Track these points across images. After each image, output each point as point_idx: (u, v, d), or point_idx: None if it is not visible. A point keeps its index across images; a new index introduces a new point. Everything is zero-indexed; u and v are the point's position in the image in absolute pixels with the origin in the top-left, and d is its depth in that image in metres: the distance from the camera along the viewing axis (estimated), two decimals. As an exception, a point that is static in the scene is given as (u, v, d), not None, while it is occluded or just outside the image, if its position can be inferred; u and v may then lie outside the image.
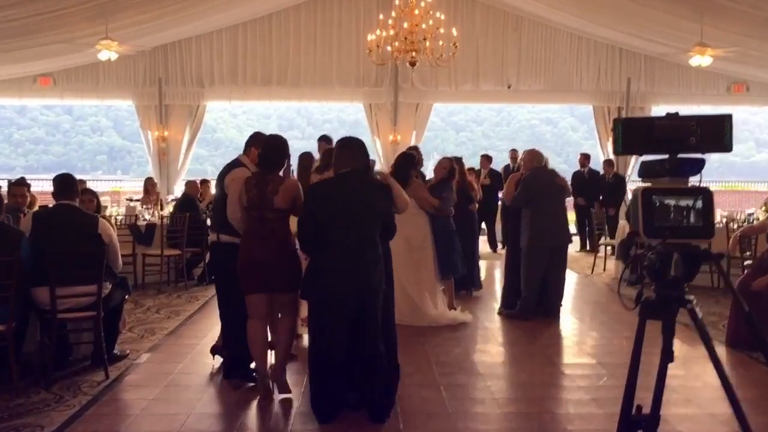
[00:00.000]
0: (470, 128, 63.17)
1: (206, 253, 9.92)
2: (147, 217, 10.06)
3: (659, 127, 2.24)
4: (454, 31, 11.43)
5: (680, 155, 2.25)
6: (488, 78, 15.80)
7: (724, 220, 9.98)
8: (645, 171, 2.41)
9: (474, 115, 58.69)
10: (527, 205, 7.69)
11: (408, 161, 7.28)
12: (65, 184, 5.63)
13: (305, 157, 6.98)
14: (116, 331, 5.98)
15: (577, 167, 14.37)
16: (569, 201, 14.77)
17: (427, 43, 11.55)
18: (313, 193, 4.56)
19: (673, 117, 2.29)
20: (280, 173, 4.98)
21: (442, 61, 11.68)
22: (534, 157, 7.96)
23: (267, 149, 4.88)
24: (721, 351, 6.35)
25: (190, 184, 10.45)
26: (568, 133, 61.72)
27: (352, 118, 51.87)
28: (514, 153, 14.32)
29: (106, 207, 10.23)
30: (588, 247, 13.44)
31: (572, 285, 10.62)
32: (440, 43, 11.45)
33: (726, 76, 15.68)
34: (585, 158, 14.36)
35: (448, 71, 14.88)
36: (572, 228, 15.14)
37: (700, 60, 12.04)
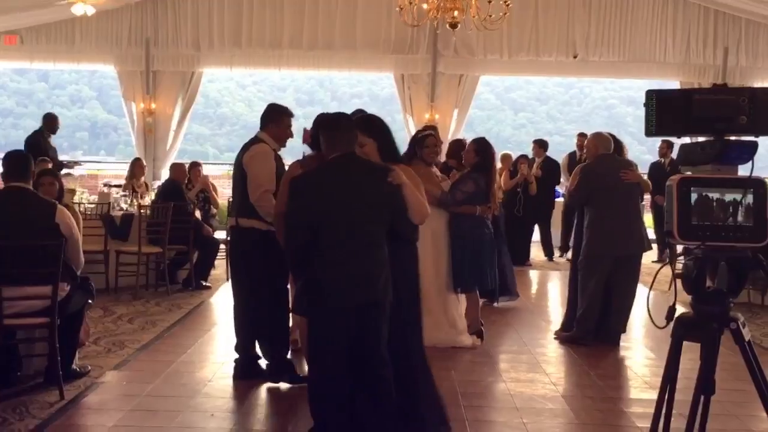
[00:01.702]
0: (532, 107, 62.81)
1: (194, 251, 10.11)
2: (124, 206, 10.22)
3: (700, 103, 2.22)
4: (505, -15, 11.40)
5: (727, 137, 2.22)
6: (550, 45, 15.71)
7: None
8: (684, 157, 2.40)
9: (537, 92, 58.32)
10: (588, 202, 7.63)
11: (411, 141, 7.33)
12: (16, 163, 5.76)
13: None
14: (76, 342, 6.09)
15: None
16: (647, 199, 14.75)
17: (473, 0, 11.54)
18: (297, 187, 4.47)
19: (718, 90, 2.27)
20: None
21: (492, 24, 11.63)
22: (600, 142, 7.83)
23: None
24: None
25: (175, 168, 10.62)
26: (654, 116, 61.22)
27: (386, 93, 51.77)
28: (581, 138, 14.18)
29: (73, 192, 10.40)
30: (668, 257, 13.32)
31: (644, 304, 10.50)
32: (489, 1, 11.40)
33: None
34: (667, 146, 14.18)
35: (500, 36, 14.81)
36: (650, 233, 15.12)
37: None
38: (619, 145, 8.03)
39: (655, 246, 14.00)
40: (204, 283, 10.10)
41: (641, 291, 10.74)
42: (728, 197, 2.25)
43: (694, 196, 2.26)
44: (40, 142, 11.52)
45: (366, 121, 4.92)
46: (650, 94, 2.36)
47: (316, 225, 4.29)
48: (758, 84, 16.27)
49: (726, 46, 15.62)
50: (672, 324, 2.41)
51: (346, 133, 4.46)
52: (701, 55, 15.76)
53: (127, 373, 6.31)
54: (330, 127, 4.53)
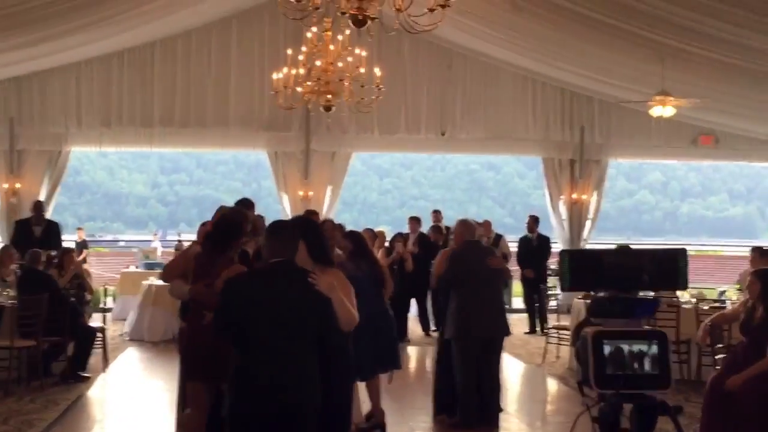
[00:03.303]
0: (397, 173, 64.17)
1: (69, 342, 9.81)
2: (-6, 297, 9.82)
3: (609, 263, 2.49)
4: (377, 71, 11.74)
5: (632, 294, 2.50)
6: (419, 123, 16.29)
7: (694, 300, 10.51)
8: (596, 309, 2.65)
9: (401, 158, 59.56)
10: (453, 286, 7.93)
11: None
12: None
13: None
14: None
15: (524, 221, 14.93)
16: (516, 271, 15.35)
17: (346, 84, 11.86)
18: (229, 289, 4.53)
19: (624, 251, 2.55)
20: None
21: (364, 106, 11.97)
22: (466, 228, 8.12)
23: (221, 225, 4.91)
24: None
25: (34, 255, 10.22)
26: (513, 180, 63.53)
27: (251, 160, 51.84)
28: (437, 215, 14.71)
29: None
30: (539, 330, 13.83)
31: (519, 378, 10.95)
32: (362, 86, 11.74)
33: (692, 126, 16.64)
34: (534, 221, 14.87)
35: (372, 114, 15.24)
36: (519, 304, 15.68)
37: (662, 111, 12.80)
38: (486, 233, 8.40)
39: (524, 315, 14.58)
40: (83, 374, 9.79)
41: (516, 366, 11.22)
42: (635, 348, 2.51)
43: (607, 348, 2.50)
44: None
45: (301, 226, 5.03)
46: (564, 253, 2.62)
47: (241, 328, 4.33)
48: (612, 160, 17.43)
49: (582, 125, 16.60)
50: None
51: (286, 241, 4.54)
52: (560, 132, 16.68)
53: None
54: (272, 235, 4.61)
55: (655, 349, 2.52)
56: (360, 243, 7.88)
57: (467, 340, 7.76)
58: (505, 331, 8.11)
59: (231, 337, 4.42)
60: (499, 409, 8.03)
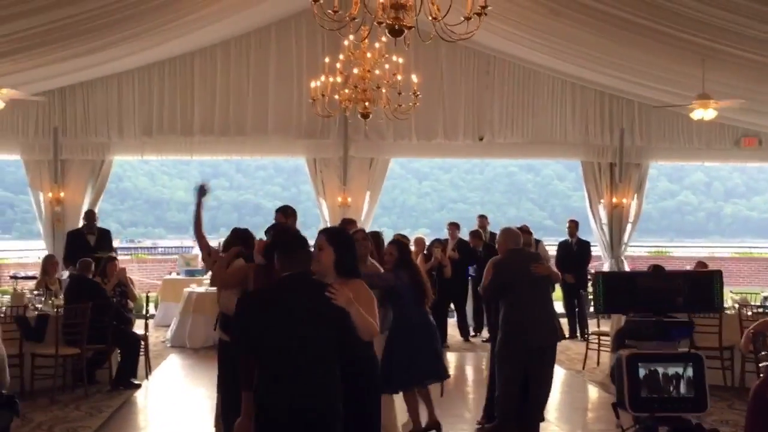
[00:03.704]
0: (435, 176, 64.16)
1: (113, 350, 9.98)
2: (39, 306, 10.02)
3: (643, 285, 2.50)
4: (414, 78, 11.78)
5: (667, 317, 2.50)
6: (457, 129, 16.28)
7: (736, 305, 10.39)
8: (630, 332, 2.66)
9: (440, 161, 59.41)
10: (500, 296, 7.92)
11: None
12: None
13: (245, 234, 7.12)
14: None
15: (564, 223, 14.86)
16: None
17: (383, 91, 11.91)
18: (243, 306, 4.53)
19: (658, 274, 2.56)
20: None
21: (401, 113, 12.01)
22: (509, 237, 8.09)
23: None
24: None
25: (84, 264, 10.41)
26: (553, 182, 63.17)
27: (290, 165, 52.13)
28: (482, 221, 14.67)
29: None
30: (579, 335, 13.75)
31: (559, 385, 10.86)
32: (399, 93, 11.78)
33: (735, 127, 16.46)
34: (574, 225, 14.79)
35: (409, 121, 15.26)
36: (559, 309, 15.59)
37: (703, 114, 12.65)
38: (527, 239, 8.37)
39: (564, 321, 14.47)
40: (134, 381, 9.95)
41: (556, 372, 11.14)
42: (671, 371, 2.52)
43: (642, 371, 2.51)
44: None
45: (333, 233, 5.09)
46: (598, 275, 2.63)
47: (259, 345, 4.34)
48: (652, 162, 17.24)
49: (622, 128, 16.47)
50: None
51: (298, 254, 4.51)
52: (599, 135, 16.56)
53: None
54: (283, 249, 4.57)
55: (690, 371, 2.51)
56: (404, 252, 7.91)
57: (514, 347, 7.72)
58: (557, 336, 8.00)
59: (251, 353, 4.41)
60: (542, 419, 7.99)
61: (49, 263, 11.66)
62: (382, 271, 7.65)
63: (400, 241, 8.21)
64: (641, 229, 18.97)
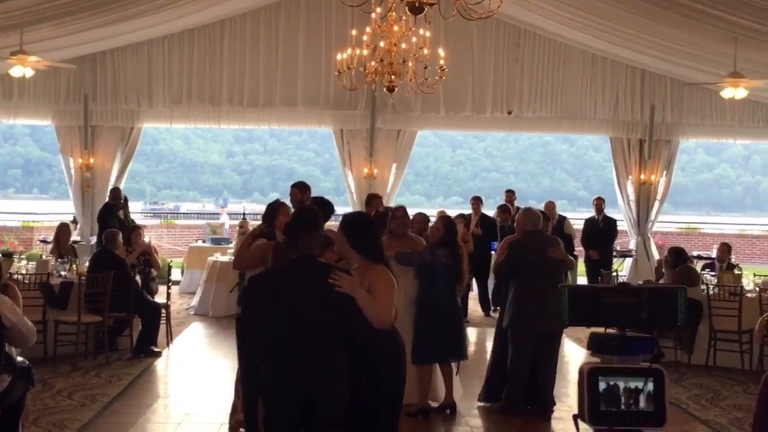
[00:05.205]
0: (470, 144, 63.75)
1: (133, 318, 10.14)
2: (63, 273, 10.19)
3: (607, 299, 2.49)
4: (441, 52, 11.69)
5: (629, 332, 2.50)
6: (485, 102, 16.17)
7: (758, 288, 10.28)
8: (594, 345, 2.66)
9: (474, 130, 58.99)
10: (513, 276, 7.91)
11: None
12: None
13: (273, 208, 7.03)
14: (16, 430, 6.10)
15: (599, 193, 14.84)
16: (580, 251, 15.19)
17: (410, 64, 11.83)
18: (252, 289, 4.63)
19: (622, 289, 2.55)
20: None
21: (427, 87, 11.94)
22: (529, 218, 8.02)
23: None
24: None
25: (109, 235, 10.54)
26: (588, 153, 62.50)
27: (325, 131, 51.87)
28: (509, 195, 14.59)
29: (11, 260, 10.33)
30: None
31: (578, 365, 10.82)
32: (425, 67, 11.69)
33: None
34: (601, 202, 14.73)
35: (437, 94, 15.17)
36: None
37: (733, 92, 12.44)
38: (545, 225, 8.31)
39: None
40: (154, 349, 10.12)
41: (575, 352, 11.12)
42: (632, 385, 2.52)
43: (602, 385, 2.52)
44: None
45: (345, 222, 5.04)
46: (563, 288, 2.63)
47: (265, 327, 4.39)
48: (683, 139, 17.00)
49: (653, 104, 16.23)
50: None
51: (307, 236, 4.51)
52: (629, 111, 16.34)
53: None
54: (291, 231, 4.61)
55: (651, 386, 2.51)
56: (450, 231, 7.90)
57: (522, 330, 7.74)
58: (564, 323, 7.94)
59: (256, 335, 4.46)
60: (553, 402, 7.98)
61: (62, 231, 11.90)
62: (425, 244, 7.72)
63: (449, 218, 8.18)
64: (678, 202, 18.85)
